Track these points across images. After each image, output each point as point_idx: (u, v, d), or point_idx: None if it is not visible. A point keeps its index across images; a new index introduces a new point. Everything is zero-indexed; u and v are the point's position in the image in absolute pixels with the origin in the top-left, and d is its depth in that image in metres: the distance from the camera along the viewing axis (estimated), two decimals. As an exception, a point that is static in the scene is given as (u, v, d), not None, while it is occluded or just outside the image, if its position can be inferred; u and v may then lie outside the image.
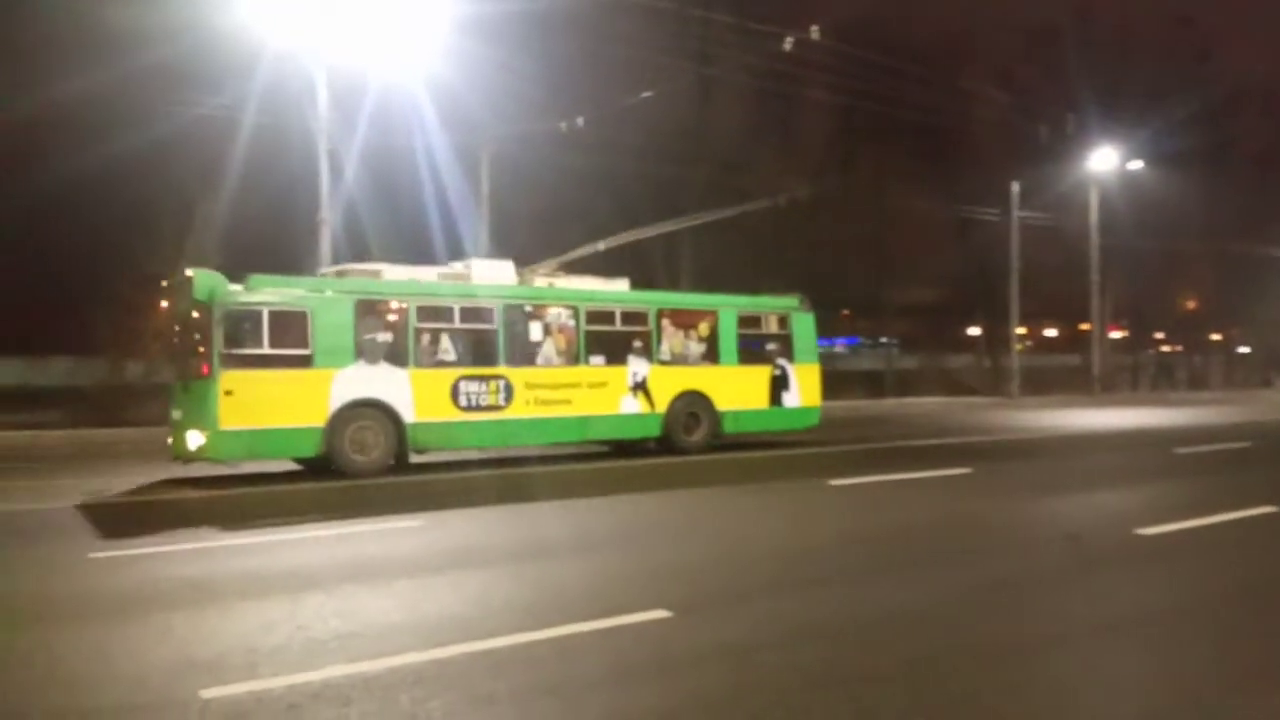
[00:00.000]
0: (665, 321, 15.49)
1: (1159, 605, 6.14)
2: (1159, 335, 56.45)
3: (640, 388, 14.95)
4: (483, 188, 27.30)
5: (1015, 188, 37.35)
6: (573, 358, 14.43)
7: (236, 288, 12.02)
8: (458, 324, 13.64)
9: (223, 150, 23.30)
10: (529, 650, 4.98)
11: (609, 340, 14.87)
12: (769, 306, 16.99)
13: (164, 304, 13.22)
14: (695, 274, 32.70)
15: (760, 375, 16.28)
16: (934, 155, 39.64)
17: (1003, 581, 6.74)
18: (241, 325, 11.87)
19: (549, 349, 14.32)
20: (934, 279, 43.99)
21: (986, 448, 17.22)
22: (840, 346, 56.95)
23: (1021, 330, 41.01)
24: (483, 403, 13.53)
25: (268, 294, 12.14)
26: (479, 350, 13.73)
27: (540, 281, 15.16)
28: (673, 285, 31.25)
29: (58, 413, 23.33)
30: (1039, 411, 29.37)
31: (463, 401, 13.37)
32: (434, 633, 5.29)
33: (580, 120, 26.00)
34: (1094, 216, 39.78)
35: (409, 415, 12.87)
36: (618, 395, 14.75)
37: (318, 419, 12.21)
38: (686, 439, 15.30)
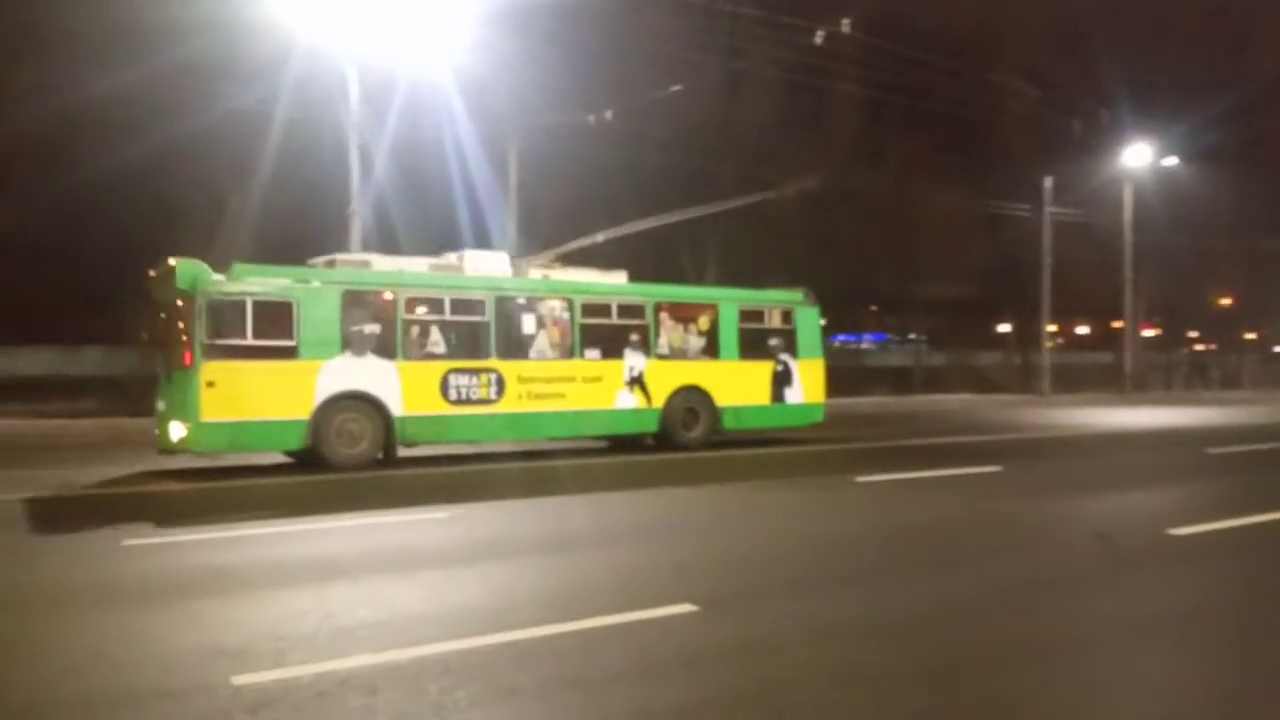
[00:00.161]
0: (663, 315, 15.25)
1: (1190, 606, 6.07)
2: (1192, 333, 55.77)
3: (637, 382, 14.71)
4: (511, 180, 27.37)
5: (1048, 183, 36.97)
6: (567, 351, 14.22)
7: (219, 277, 11.86)
8: (448, 316, 13.45)
9: (254, 145, 23.53)
10: (553, 642, 4.99)
11: (605, 333, 14.64)
12: (772, 300, 16.69)
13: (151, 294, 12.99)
14: (721, 269, 32.65)
15: (762, 370, 16.00)
16: (964, 150, 39.34)
17: (1032, 581, 6.68)
18: (225, 315, 11.70)
19: (542, 342, 14.11)
20: (963, 275, 43.64)
21: (1016, 446, 17.08)
22: (868, 342, 56.70)
23: (1053, 327, 40.65)
24: (473, 396, 13.34)
25: (252, 284, 11.98)
26: (470, 343, 13.55)
27: (535, 273, 14.96)
28: (699, 280, 31.22)
29: (90, 402, 23.65)
30: (1070, 409, 29.10)
31: (453, 395, 13.19)
32: (460, 623, 5.31)
33: (609, 113, 26.01)
34: (1128, 213, 39.32)
35: (397, 408, 12.71)
36: (613, 390, 14.53)
37: (303, 411, 12.05)
38: (685, 435, 15.07)
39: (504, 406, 13.54)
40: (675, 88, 26.79)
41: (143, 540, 7.85)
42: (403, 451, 13.34)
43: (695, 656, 4.86)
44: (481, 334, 13.58)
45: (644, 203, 20.89)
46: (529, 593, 6.15)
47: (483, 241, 23.56)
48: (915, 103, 31.87)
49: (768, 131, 35.09)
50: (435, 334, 13.34)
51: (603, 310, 14.74)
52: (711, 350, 15.60)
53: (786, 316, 16.49)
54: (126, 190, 24.30)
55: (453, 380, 13.21)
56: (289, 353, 12.08)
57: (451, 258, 14.59)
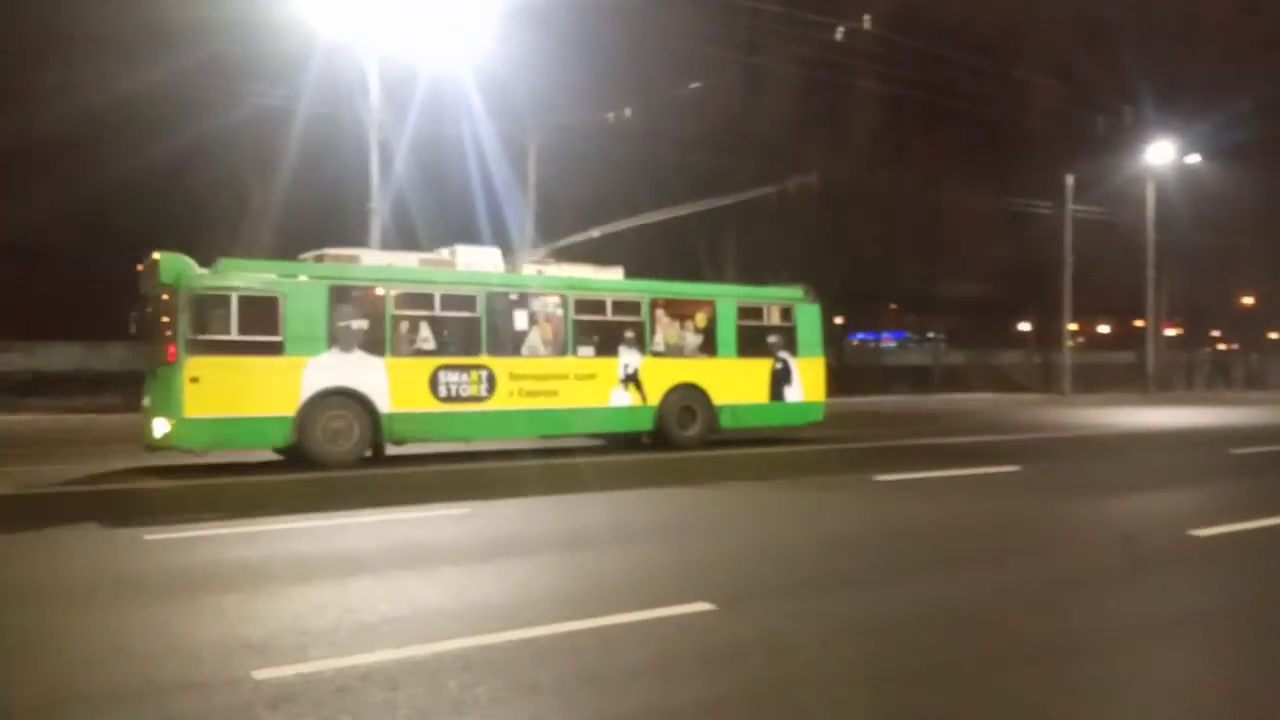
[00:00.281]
0: (659, 311, 15.07)
1: (1212, 607, 6.02)
2: (1215, 333, 55.28)
3: (632, 380, 14.55)
4: (529, 177, 27.43)
5: (1070, 180, 36.71)
6: (560, 348, 14.08)
7: (204, 272, 11.76)
8: (438, 311, 13.30)
9: (276, 142, 23.70)
10: (572, 639, 5.01)
11: (599, 330, 14.49)
12: (771, 297, 16.55)
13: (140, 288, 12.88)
14: (740, 267, 32.62)
15: (761, 368, 15.81)
16: (986, 147, 39.14)
17: (1053, 581, 6.64)
18: (209, 310, 11.60)
19: (535, 338, 13.95)
20: (984, 273, 43.45)
21: (1037, 445, 16.99)
22: (887, 340, 56.51)
23: (1074, 326, 40.39)
24: (463, 393, 13.18)
25: (237, 278, 11.86)
26: (461, 339, 13.39)
27: (529, 269, 14.85)
28: (717, 278, 31.19)
29: (114, 397, 23.86)
30: (1091, 409, 28.91)
31: (442, 392, 13.04)
32: (479, 619, 5.34)
33: (628, 111, 26.01)
34: (1150, 211, 39.01)
35: (385, 405, 12.56)
36: (608, 387, 14.37)
37: (288, 408, 11.93)
38: (681, 433, 14.90)
39: (495, 404, 13.39)
40: (694, 85, 26.75)
41: (164, 535, 7.92)
42: (394, 450, 13.22)
43: (713, 655, 4.86)
44: (472, 330, 13.42)
45: (662, 200, 20.89)
46: (547, 589, 6.18)
47: (501, 238, 23.60)
48: (937, 100, 31.75)
49: (787, 129, 35.01)
50: (425, 330, 13.17)
51: (597, 306, 14.55)
52: (709, 347, 15.41)
53: (786, 314, 16.28)
54: (152, 187, 24.55)
55: (442, 377, 13.06)
56: (274, 348, 11.96)
57: (444, 253, 14.46)
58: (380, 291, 12.83)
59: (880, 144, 40.42)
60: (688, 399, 15.03)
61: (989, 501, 10.33)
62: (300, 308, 12.13)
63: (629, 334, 14.67)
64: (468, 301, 13.47)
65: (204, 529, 8.19)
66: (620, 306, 14.75)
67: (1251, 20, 45.29)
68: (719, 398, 15.27)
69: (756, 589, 6.24)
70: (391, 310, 12.84)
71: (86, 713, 4.16)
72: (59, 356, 29.06)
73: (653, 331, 14.91)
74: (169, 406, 11.56)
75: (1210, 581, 6.76)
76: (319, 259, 13.33)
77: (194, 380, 11.42)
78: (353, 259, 13.38)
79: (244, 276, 11.95)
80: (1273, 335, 55.67)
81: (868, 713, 4.18)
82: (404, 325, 13.02)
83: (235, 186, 26.36)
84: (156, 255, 11.91)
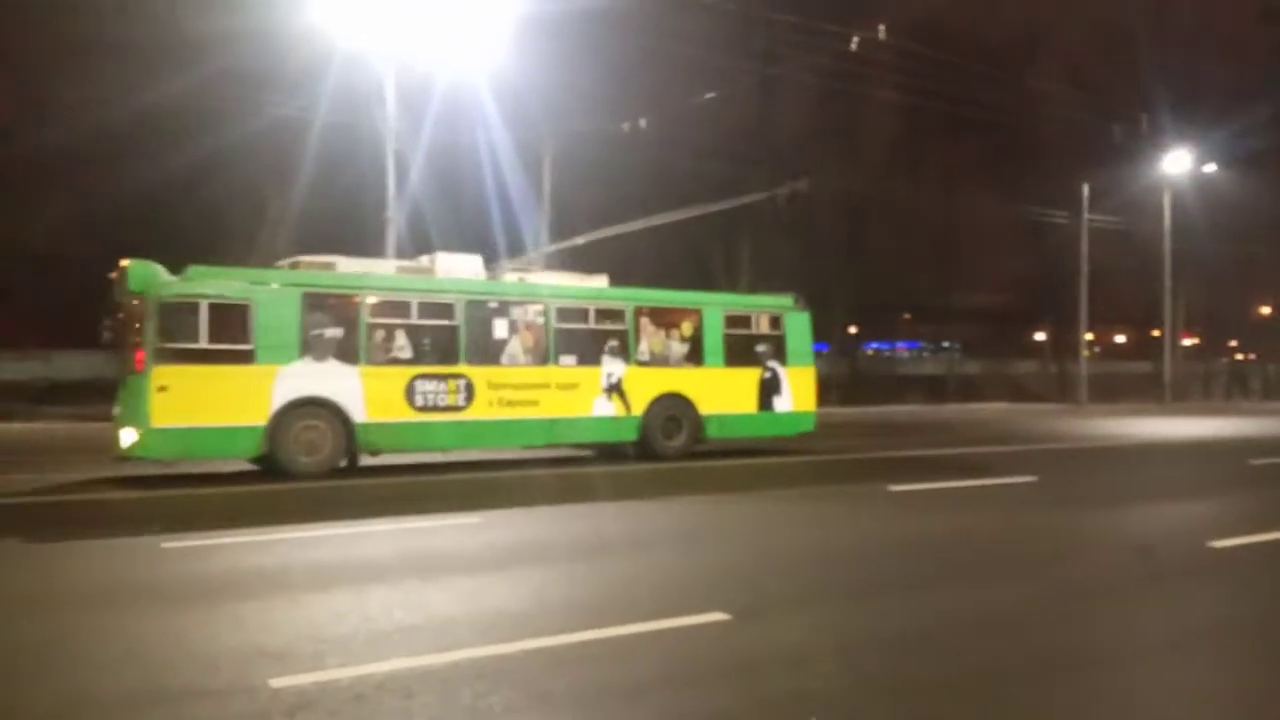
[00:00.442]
0: (644, 320, 14.83)
1: (1232, 619, 5.98)
2: (1233, 343, 54.89)
3: (615, 389, 14.29)
4: (544, 185, 27.52)
5: (1086, 190, 36.58)
6: (541, 357, 13.82)
7: (173, 279, 11.60)
8: (415, 320, 13.04)
9: (294, 151, 23.87)
10: (586, 649, 5.01)
11: (582, 339, 14.23)
12: (759, 305, 16.34)
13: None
14: (756, 277, 32.64)
15: (748, 378, 15.52)
16: (1002, 156, 39.05)
17: (1070, 592, 6.61)
18: (177, 318, 11.41)
19: (515, 347, 13.71)
20: (999, 283, 43.33)
21: (1054, 456, 16.91)
22: (901, 350, 56.41)
23: (1090, 336, 40.19)
24: (441, 403, 12.93)
25: (206, 286, 11.66)
26: (438, 348, 13.14)
27: (511, 277, 14.72)
28: (732, 288, 31.22)
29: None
30: (1107, 419, 28.74)
31: (419, 401, 12.79)
32: (493, 628, 5.35)
33: (643, 121, 26.08)
34: (1167, 220, 38.82)
35: (359, 415, 12.34)
36: (590, 397, 14.10)
37: (259, 418, 11.71)
38: (666, 444, 14.60)
39: (473, 413, 13.16)
40: (710, 95, 26.81)
41: (181, 543, 7.97)
42: (370, 460, 13.08)
43: (728, 665, 4.86)
44: (450, 338, 13.19)
45: (676, 208, 20.92)
46: (561, 599, 6.19)
47: (516, 246, 23.70)
48: (953, 109, 31.69)
49: (803, 139, 35.05)
50: (401, 338, 12.95)
51: (580, 315, 14.29)
52: (695, 357, 15.15)
53: (775, 322, 16.00)
54: (171, 198, 24.76)
55: (419, 386, 12.83)
56: (245, 357, 11.75)
57: (424, 260, 14.32)
58: (354, 299, 12.64)
59: (896, 153, 40.40)
60: (673, 409, 14.76)
61: (1005, 512, 10.29)
62: (271, 315, 11.93)
63: (613, 343, 14.41)
64: (445, 309, 13.27)
65: (221, 537, 8.23)
66: (604, 314, 14.49)
67: (1269, 28, 45.00)
68: (706, 408, 14.99)
69: (772, 599, 6.22)
70: (366, 318, 12.66)
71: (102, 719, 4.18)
72: (77, 365, 29.24)
73: (637, 340, 14.67)
74: (136, 416, 11.41)
75: (1229, 593, 6.71)
76: (294, 266, 13.13)
77: (161, 389, 11.25)
78: (328, 266, 13.06)
79: (213, 284, 11.77)
80: (1291, 345, 55.24)
81: (884, 724, 4.16)
82: (379, 334, 12.82)
83: (253, 196, 26.54)
84: (125, 262, 11.70)
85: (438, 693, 4.35)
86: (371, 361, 12.63)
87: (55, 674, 4.68)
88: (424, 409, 12.85)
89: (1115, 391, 41.01)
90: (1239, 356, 55.40)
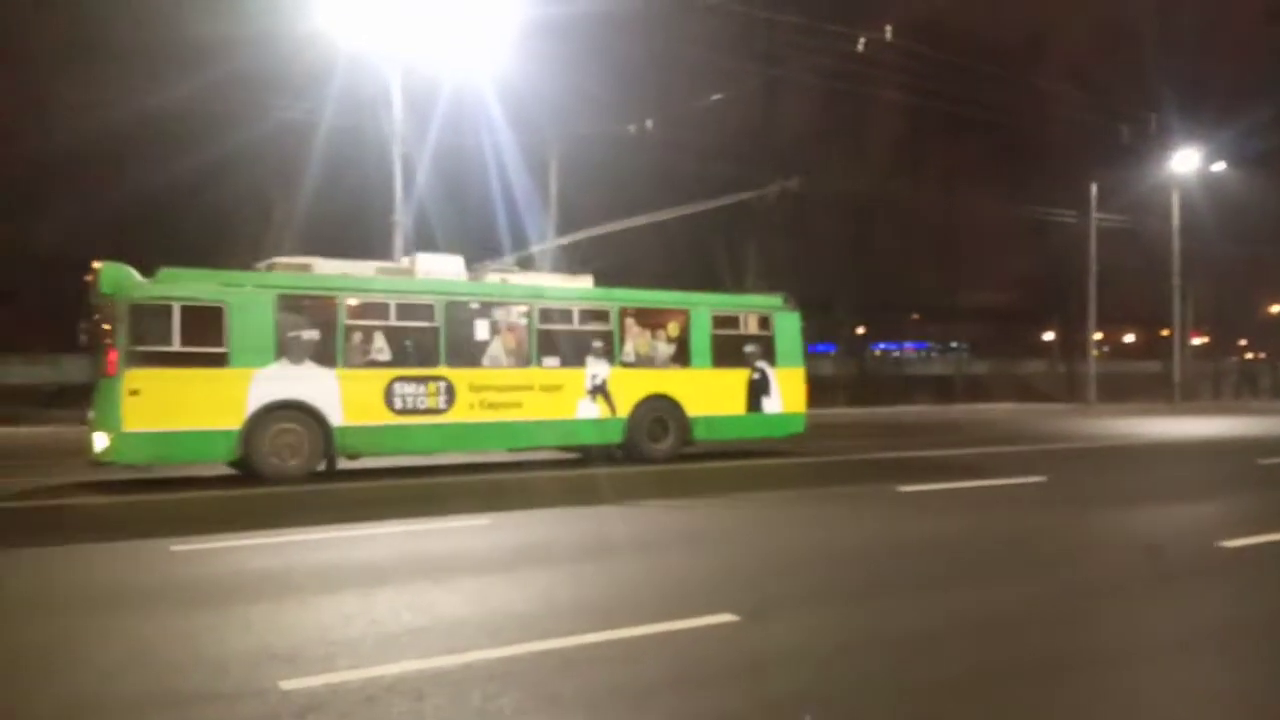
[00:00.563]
0: (629, 321, 14.66)
1: (1241, 619, 5.96)
2: (1242, 342, 54.72)
3: (600, 391, 14.09)
4: (551, 188, 27.56)
5: (1094, 189, 36.50)
6: (523, 358, 13.65)
7: (144, 281, 11.50)
8: (394, 321, 12.89)
9: (300, 154, 23.93)
10: (595, 650, 5.01)
11: (565, 340, 14.04)
12: (748, 305, 16.16)
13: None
14: (761, 278, 32.63)
15: (736, 379, 15.31)
16: (1009, 156, 38.99)
17: (1078, 592, 6.59)
18: (149, 321, 11.28)
19: (496, 349, 13.56)
20: (1007, 283, 43.24)
21: (1062, 455, 16.87)
22: (909, 350, 56.32)
23: (1098, 336, 40.11)
24: (420, 405, 12.76)
25: (179, 288, 11.53)
26: (418, 350, 12.99)
27: (493, 278, 14.57)
28: (737, 289, 31.21)
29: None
30: (1116, 419, 28.67)
31: (398, 404, 12.62)
32: (502, 630, 5.36)
33: (649, 123, 26.10)
34: (1175, 219, 38.71)
35: (337, 418, 12.20)
36: (574, 399, 13.91)
37: (233, 422, 11.58)
38: (653, 446, 14.40)
39: (454, 416, 12.99)
40: (716, 96, 26.81)
41: (191, 546, 7.99)
42: (350, 464, 12.97)
43: (738, 666, 4.86)
44: (430, 340, 13.02)
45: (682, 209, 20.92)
46: (570, 600, 6.19)
47: (522, 249, 23.71)
48: (959, 109, 31.64)
49: (809, 139, 35.04)
50: (379, 340, 12.82)
51: (563, 316, 14.09)
52: (682, 357, 14.96)
53: (764, 323, 15.78)
54: (177, 201, 24.82)
55: (398, 389, 12.66)
56: (219, 360, 11.62)
57: (404, 261, 14.10)
58: (331, 301, 12.48)
59: (902, 153, 40.35)
60: (660, 411, 14.56)
61: (1014, 512, 10.27)
62: (246, 318, 11.79)
63: (597, 344, 14.22)
64: (425, 311, 13.10)
65: (230, 540, 8.25)
66: (588, 315, 14.32)
67: (1275, 28, 44.84)
68: (693, 409, 14.78)
69: (781, 600, 6.22)
70: (344, 320, 12.50)
71: (116, 722, 4.20)
72: (86, 369, 29.38)
73: (622, 341, 14.50)
74: (108, 420, 11.25)
75: (1239, 592, 6.69)
76: (270, 268, 13.02)
77: (133, 393, 11.13)
78: (305, 267, 12.92)
79: (186, 286, 11.62)
80: (1301, 344, 55.06)
81: (893, 725, 4.16)
82: (357, 336, 12.69)
83: (259, 199, 26.63)
84: (97, 265, 11.58)
85: (448, 695, 4.35)
86: (349, 364, 12.50)
87: (63, 677, 4.70)
88: (403, 412, 12.70)
89: (1124, 391, 40.92)
90: (1248, 356, 55.24)
